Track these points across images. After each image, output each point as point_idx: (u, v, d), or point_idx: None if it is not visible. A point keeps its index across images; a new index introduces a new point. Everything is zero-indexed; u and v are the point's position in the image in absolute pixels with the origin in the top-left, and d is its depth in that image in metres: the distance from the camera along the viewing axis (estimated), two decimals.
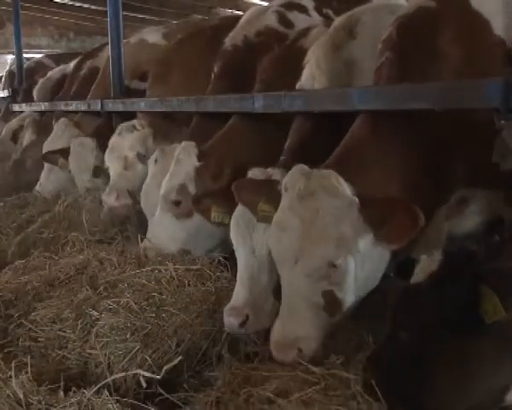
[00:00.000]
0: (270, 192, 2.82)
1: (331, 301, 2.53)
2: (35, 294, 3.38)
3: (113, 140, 5.12)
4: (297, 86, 3.47)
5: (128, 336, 2.79)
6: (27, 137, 7.48)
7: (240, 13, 12.28)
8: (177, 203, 3.73)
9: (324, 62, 3.33)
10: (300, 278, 2.52)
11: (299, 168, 2.66)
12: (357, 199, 2.50)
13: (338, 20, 3.52)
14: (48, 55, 11.74)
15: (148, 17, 14.44)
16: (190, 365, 2.82)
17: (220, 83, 4.32)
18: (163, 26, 7.45)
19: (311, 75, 3.39)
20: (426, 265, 2.23)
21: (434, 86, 2.57)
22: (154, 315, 2.92)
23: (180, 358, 2.71)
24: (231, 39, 4.40)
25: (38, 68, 10.32)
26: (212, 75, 4.41)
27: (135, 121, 5.15)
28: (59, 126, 6.41)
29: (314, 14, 4.62)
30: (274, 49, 4.19)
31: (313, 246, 2.49)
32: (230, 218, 3.17)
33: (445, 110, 2.51)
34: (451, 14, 2.87)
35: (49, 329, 2.97)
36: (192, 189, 3.70)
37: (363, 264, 2.55)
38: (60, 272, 3.59)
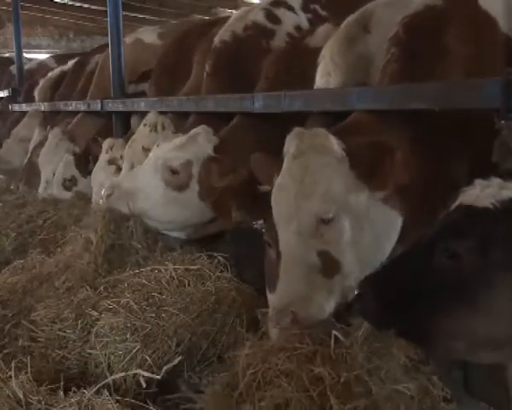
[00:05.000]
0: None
1: (327, 263, 2.49)
2: (26, 292, 3.38)
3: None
4: (315, 85, 3.43)
5: (128, 336, 2.79)
6: (35, 137, 7.43)
7: None
8: (174, 172, 3.68)
9: (339, 57, 3.30)
10: (294, 238, 2.50)
11: (295, 131, 2.69)
12: (346, 155, 2.53)
13: (351, 16, 3.49)
14: (52, 56, 11.71)
15: (148, 17, 14.44)
16: (190, 365, 2.82)
17: (213, 79, 4.33)
18: (159, 26, 7.42)
19: (327, 71, 3.34)
20: None
21: (434, 86, 2.57)
22: (153, 315, 2.91)
23: (180, 358, 2.71)
24: (220, 36, 4.41)
25: (41, 69, 10.28)
26: (205, 74, 4.41)
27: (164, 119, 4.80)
28: (52, 140, 6.42)
29: (300, 12, 4.64)
30: (261, 43, 4.25)
31: (302, 202, 2.50)
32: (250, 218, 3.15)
33: (445, 110, 2.51)
34: (459, 13, 2.87)
35: (49, 329, 2.97)
36: (195, 171, 3.68)
37: (362, 225, 2.53)
38: (49, 270, 3.58)
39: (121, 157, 5.01)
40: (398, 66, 2.83)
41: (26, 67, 10.67)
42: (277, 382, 2.13)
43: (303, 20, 4.55)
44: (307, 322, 2.41)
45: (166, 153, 3.76)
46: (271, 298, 2.59)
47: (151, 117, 4.81)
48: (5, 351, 2.90)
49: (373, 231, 2.59)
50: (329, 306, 2.50)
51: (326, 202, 2.48)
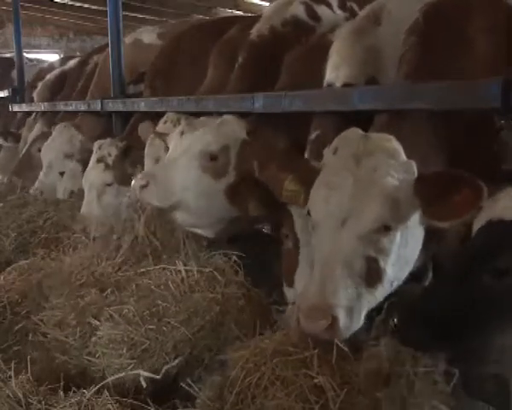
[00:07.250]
0: (299, 170, 2.69)
1: (373, 271, 2.34)
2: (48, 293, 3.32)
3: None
4: (324, 82, 3.35)
5: (124, 351, 2.71)
6: (37, 129, 7.34)
7: (239, 13, 12.30)
8: (213, 158, 3.45)
9: (346, 51, 3.25)
10: (348, 241, 2.33)
11: (353, 131, 2.57)
12: (414, 165, 2.41)
13: (363, 11, 3.47)
14: (64, 57, 11.65)
15: (148, 17, 14.43)
16: (191, 373, 2.71)
17: (243, 72, 4.18)
18: (159, 26, 7.42)
19: (335, 67, 3.29)
20: None
21: (434, 86, 2.57)
22: (154, 327, 2.79)
23: (180, 358, 2.69)
24: (257, 30, 4.27)
25: (48, 70, 10.23)
26: (236, 65, 4.25)
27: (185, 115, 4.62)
28: (57, 129, 6.37)
29: (338, 10, 4.54)
30: (301, 39, 4.06)
31: (369, 205, 2.34)
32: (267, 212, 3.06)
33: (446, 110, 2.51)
34: (480, 2, 2.87)
35: (52, 331, 2.94)
36: (233, 156, 3.49)
37: (407, 240, 2.42)
38: (72, 271, 3.50)
39: (109, 155, 5.01)
40: (417, 54, 2.79)
41: (37, 67, 10.61)
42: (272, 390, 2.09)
43: (340, 18, 4.43)
44: (342, 333, 2.24)
45: (202, 138, 3.50)
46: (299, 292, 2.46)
47: (171, 114, 4.70)
48: (12, 350, 2.90)
49: (411, 247, 2.49)
50: (362, 318, 2.33)
51: (393, 211, 2.35)
